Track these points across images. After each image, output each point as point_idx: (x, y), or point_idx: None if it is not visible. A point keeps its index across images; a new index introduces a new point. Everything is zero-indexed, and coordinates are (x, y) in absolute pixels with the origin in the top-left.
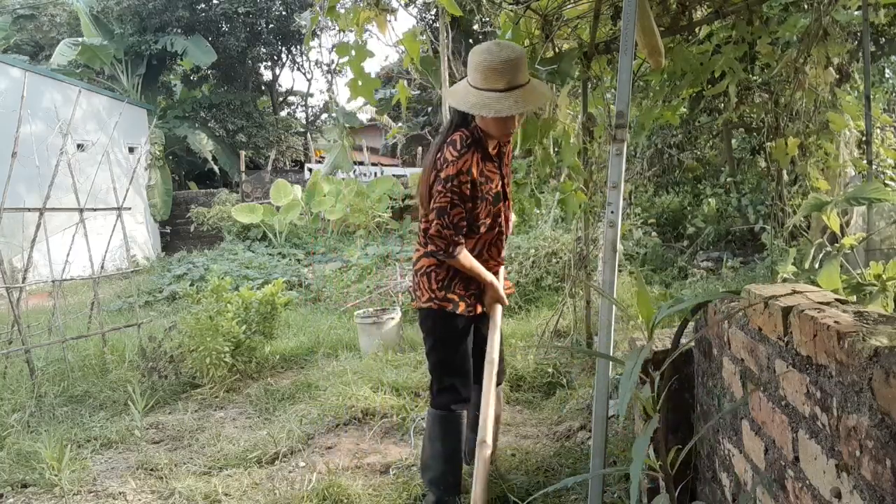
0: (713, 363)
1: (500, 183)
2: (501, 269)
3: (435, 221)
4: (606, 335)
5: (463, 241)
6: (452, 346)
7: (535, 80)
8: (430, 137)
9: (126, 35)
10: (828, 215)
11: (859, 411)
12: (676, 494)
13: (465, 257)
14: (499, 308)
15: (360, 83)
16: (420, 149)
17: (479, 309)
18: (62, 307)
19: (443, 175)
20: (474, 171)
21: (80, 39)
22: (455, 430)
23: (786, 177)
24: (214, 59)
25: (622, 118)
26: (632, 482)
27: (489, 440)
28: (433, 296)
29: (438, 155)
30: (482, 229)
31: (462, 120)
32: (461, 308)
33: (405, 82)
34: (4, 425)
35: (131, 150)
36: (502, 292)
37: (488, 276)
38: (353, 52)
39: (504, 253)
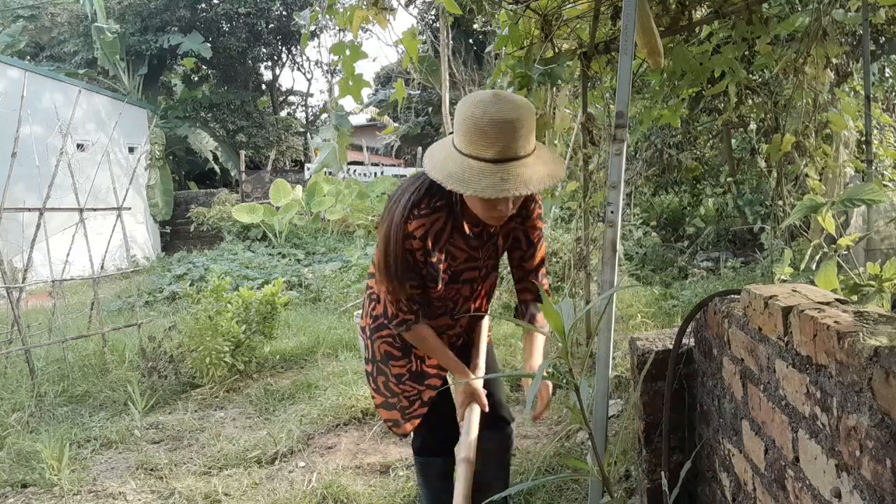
0: (713, 363)
1: (475, 259)
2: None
3: (380, 280)
4: (606, 335)
5: (413, 317)
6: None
7: (545, 152)
8: (430, 138)
9: (127, 35)
10: (823, 217)
11: (859, 411)
12: (676, 495)
13: (420, 338)
14: (475, 409)
15: (350, 83)
16: (420, 148)
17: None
18: (62, 307)
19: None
20: (429, 241)
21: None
22: (428, 477)
23: (785, 177)
24: (210, 54)
25: (622, 118)
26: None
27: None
28: (369, 326)
29: (403, 199)
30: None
31: None
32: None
33: (403, 82)
34: (4, 425)
35: (131, 150)
36: (481, 392)
37: (461, 367)
38: (348, 52)
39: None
